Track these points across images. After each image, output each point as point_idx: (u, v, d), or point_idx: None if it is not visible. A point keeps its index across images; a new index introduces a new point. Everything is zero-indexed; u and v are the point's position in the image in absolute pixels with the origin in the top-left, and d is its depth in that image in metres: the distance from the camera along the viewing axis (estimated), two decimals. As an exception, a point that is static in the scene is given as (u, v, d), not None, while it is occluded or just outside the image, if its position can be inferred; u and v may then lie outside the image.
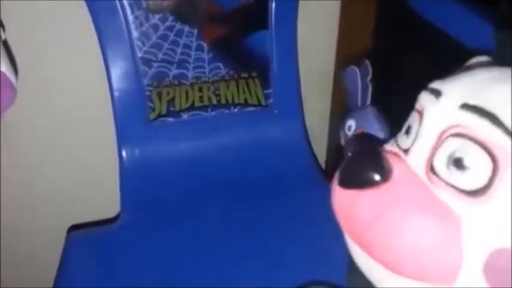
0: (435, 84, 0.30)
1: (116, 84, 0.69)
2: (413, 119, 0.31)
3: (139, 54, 0.69)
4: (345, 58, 0.82)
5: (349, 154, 0.31)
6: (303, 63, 0.77)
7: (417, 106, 0.31)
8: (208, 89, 0.74)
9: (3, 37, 0.57)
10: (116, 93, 0.70)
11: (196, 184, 0.72)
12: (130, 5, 0.66)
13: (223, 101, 0.75)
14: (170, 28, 0.69)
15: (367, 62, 0.62)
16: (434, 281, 0.28)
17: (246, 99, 0.76)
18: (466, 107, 0.28)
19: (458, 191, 0.27)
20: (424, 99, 0.31)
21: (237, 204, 0.69)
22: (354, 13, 0.77)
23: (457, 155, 0.27)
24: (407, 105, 0.33)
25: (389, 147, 0.33)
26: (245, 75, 0.75)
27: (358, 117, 0.63)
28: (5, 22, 0.61)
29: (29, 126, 0.75)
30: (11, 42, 0.65)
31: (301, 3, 0.74)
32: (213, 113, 0.75)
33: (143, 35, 0.68)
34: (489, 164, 0.26)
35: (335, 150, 0.90)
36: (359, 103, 0.63)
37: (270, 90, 0.76)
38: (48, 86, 0.73)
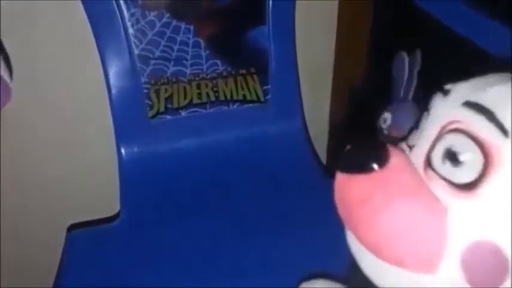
0: (446, 86, 0.31)
1: (113, 82, 0.69)
2: (423, 117, 0.32)
3: (136, 52, 0.69)
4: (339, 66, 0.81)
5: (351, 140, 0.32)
6: (301, 58, 0.77)
7: (429, 106, 0.32)
8: (207, 85, 0.74)
9: None
10: (114, 91, 0.69)
11: (196, 181, 0.71)
12: (126, 3, 0.66)
13: (221, 98, 0.74)
14: (166, 25, 0.68)
15: (418, 53, 0.61)
16: (414, 268, 0.28)
17: (244, 96, 0.75)
18: (467, 104, 0.28)
19: (449, 184, 0.28)
20: (435, 98, 0.32)
21: (237, 201, 0.69)
22: (352, 6, 0.77)
23: (453, 149, 0.28)
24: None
25: (402, 143, 0.34)
26: (243, 71, 0.74)
27: (395, 111, 0.63)
28: (1, 21, 0.61)
29: (26, 125, 0.75)
30: (6, 41, 0.65)
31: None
32: (212, 109, 0.74)
33: (140, 33, 0.68)
34: (481, 160, 0.27)
35: (335, 145, 0.89)
36: (401, 94, 0.62)
37: (269, 86, 0.75)
38: (46, 85, 0.73)
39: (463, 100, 0.29)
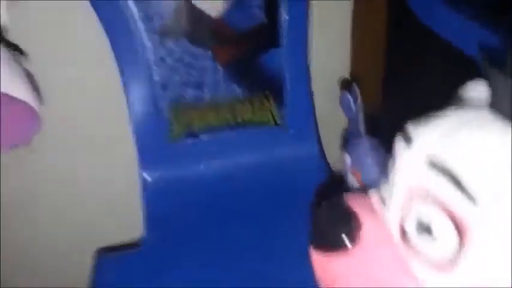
0: (408, 129, 0.29)
1: (134, 107, 0.71)
2: (390, 164, 0.30)
3: (156, 78, 0.71)
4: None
5: (317, 210, 0.31)
6: (315, 74, 0.79)
7: (394, 148, 0.30)
8: (225, 109, 0.75)
9: (24, 65, 0.59)
10: (135, 117, 0.71)
11: (217, 203, 0.73)
12: (146, 30, 0.68)
13: (239, 121, 0.76)
14: (185, 51, 0.71)
15: (355, 86, 0.63)
16: None
17: (261, 119, 0.77)
18: (432, 164, 0.26)
19: (427, 260, 0.26)
20: (398, 143, 0.29)
21: (257, 223, 0.70)
22: (366, 23, 0.79)
23: (425, 220, 0.26)
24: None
25: (373, 192, 0.32)
26: (260, 94, 0.76)
27: (353, 150, 0.64)
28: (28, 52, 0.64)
29: (50, 148, 0.76)
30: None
31: (314, 13, 0.75)
32: (230, 132, 0.76)
33: (159, 59, 0.70)
34: (454, 233, 0.25)
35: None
36: (359, 128, 0.64)
37: (285, 109, 0.77)
38: (69, 109, 0.75)
39: (427, 157, 0.26)
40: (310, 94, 0.78)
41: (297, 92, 0.77)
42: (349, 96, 0.65)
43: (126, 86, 0.70)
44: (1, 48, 0.55)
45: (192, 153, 0.75)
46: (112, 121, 0.76)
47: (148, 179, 0.73)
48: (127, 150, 0.73)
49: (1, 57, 0.54)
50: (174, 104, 0.73)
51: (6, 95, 0.51)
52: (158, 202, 0.71)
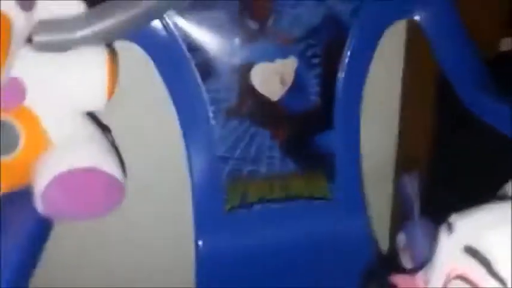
0: (452, 218, 0.33)
1: (196, 179, 0.77)
2: (434, 250, 0.34)
3: (218, 154, 0.77)
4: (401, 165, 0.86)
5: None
6: (365, 152, 0.83)
7: (439, 235, 0.34)
8: (278, 182, 0.81)
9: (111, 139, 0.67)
10: (196, 188, 0.77)
11: (266, 274, 0.77)
12: (214, 112, 0.75)
13: (292, 195, 0.81)
14: (246, 130, 0.77)
15: (416, 173, 0.67)
16: None
17: (312, 193, 0.82)
18: (468, 250, 0.30)
19: None
20: (442, 231, 0.33)
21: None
22: (414, 113, 0.83)
23: None
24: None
25: (422, 273, 0.35)
26: (312, 170, 0.81)
27: (407, 231, 0.67)
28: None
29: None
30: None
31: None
32: (282, 204, 0.81)
33: (223, 137, 0.76)
34: None
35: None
36: (414, 213, 0.67)
37: (335, 185, 0.81)
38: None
39: (465, 244, 0.30)
40: (360, 172, 0.83)
41: (348, 170, 0.82)
42: (408, 181, 0.68)
43: (189, 159, 0.76)
44: (92, 125, 0.63)
45: (245, 224, 0.80)
46: (173, 191, 0.82)
47: (203, 246, 0.78)
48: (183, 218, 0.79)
49: (93, 133, 0.61)
50: (232, 177, 0.79)
51: (94, 168, 0.58)
52: (211, 270, 0.76)
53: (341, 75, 0.78)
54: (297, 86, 0.78)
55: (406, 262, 0.67)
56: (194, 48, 0.74)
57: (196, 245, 0.78)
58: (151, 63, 0.73)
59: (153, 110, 0.82)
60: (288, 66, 0.78)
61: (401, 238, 0.68)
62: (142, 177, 0.83)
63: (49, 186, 0.56)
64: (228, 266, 0.77)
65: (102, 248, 0.88)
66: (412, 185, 0.68)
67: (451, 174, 0.74)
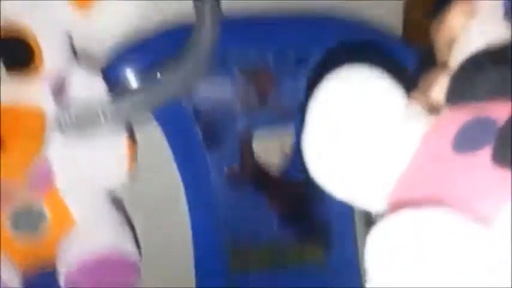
0: None
1: (198, 246, 0.81)
2: None
3: (220, 222, 0.81)
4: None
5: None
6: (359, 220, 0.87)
7: None
8: (277, 249, 0.84)
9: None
10: (198, 254, 0.81)
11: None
12: (220, 184, 0.79)
13: (288, 260, 0.85)
14: (247, 199, 0.81)
15: None
16: None
17: (306, 259, 0.85)
18: None
19: None
20: None
21: None
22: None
23: None
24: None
25: None
26: (307, 238, 0.85)
27: None
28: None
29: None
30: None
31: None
32: (280, 270, 0.85)
33: (226, 206, 0.80)
34: None
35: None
36: None
37: (331, 251, 0.85)
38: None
39: None
40: (354, 239, 0.86)
41: (342, 237, 0.86)
42: None
43: (193, 226, 0.80)
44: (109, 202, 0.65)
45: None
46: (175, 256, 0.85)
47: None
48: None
49: (110, 209, 0.64)
50: (233, 243, 0.82)
51: (115, 252, 0.60)
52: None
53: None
54: (296, 155, 0.82)
55: None
56: (199, 114, 0.79)
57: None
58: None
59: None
60: (287, 135, 0.82)
61: None
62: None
63: (73, 272, 0.59)
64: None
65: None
66: None
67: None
